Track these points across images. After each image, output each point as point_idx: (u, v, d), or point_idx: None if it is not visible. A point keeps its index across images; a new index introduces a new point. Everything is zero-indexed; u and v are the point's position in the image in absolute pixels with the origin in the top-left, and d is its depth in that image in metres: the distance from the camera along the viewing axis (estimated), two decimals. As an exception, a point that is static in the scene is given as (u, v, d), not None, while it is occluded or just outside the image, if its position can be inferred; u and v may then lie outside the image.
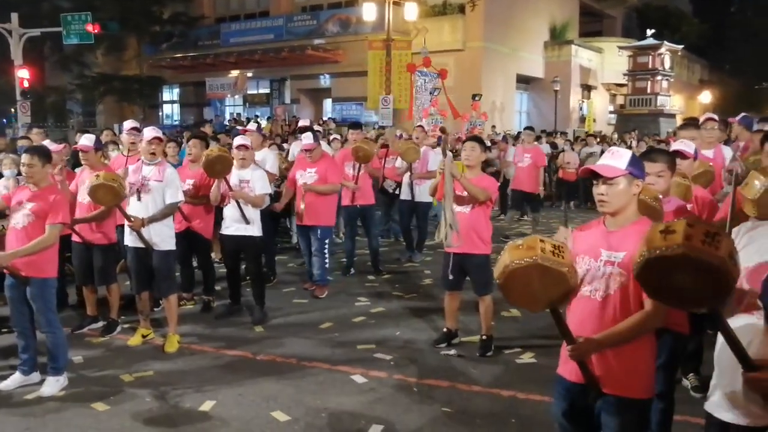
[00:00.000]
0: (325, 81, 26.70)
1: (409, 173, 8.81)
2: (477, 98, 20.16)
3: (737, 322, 2.18)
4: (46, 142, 6.44)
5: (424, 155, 8.93)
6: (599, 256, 2.65)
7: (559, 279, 2.43)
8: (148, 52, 29.11)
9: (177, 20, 28.57)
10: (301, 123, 11.04)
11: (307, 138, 7.13)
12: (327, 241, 7.24)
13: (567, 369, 2.77)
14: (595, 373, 2.63)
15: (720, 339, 2.17)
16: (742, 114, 7.56)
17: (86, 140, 6.03)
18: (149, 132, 5.71)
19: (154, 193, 5.52)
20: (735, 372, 2.12)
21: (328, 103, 27.65)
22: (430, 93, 13.17)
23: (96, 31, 20.67)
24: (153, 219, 5.47)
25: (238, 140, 6.56)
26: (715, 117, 6.55)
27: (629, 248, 2.58)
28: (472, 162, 5.35)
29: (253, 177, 6.33)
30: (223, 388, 4.72)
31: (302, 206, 7.00)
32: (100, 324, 6.08)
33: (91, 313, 6.15)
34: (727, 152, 6.29)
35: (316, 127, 11.74)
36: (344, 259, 8.42)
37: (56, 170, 5.60)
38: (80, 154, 5.97)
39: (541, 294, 2.47)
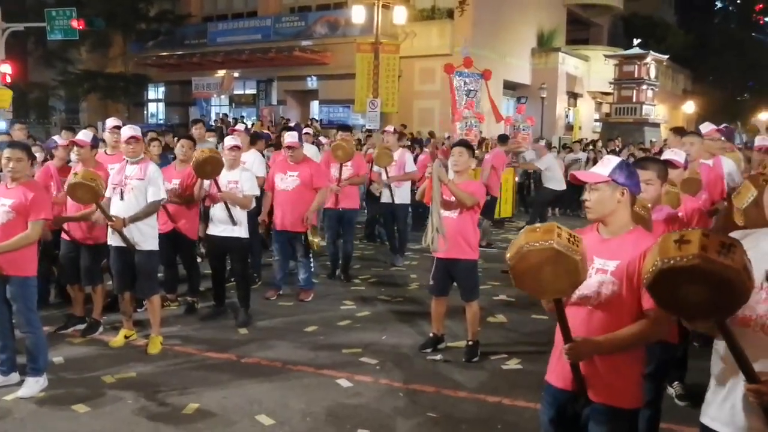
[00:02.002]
0: (312, 83, 26.61)
1: (385, 175, 8.77)
2: (522, 101, 19.59)
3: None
4: (56, 137, 6.30)
5: (401, 158, 8.91)
6: (592, 263, 2.63)
7: (571, 267, 2.38)
8: (134, 50, 28.80)
9: (164, 18, 28.34)
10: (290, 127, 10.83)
11: (291, 136, 7.02)
12: None
13: (555, 376, 2.76)
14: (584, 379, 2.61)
15: (716, 350, 2.15)
16: (723, 125, 7.65)
17: (84, 135, 5.94)
18: (126, 131, 5.61)
19: (136, 191, 5.43)
20: (733, 384, 2.11)
21: (315, 105, 27.55)
22: (466, 95, 12.96)
23: (81, 27, 20.48)
24: (135, 218, 5.38)
25: (229, 141, 6.51)
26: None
27: (623, 257, 2.58)
28: (459, 167, 5.33)
29: (241, 178, 6.30)
30: (206, 391, 4.66)
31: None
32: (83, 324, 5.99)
33: (79, 313, 6.04)
34: (726, 163, 6.27)
35: (306, 130, 11.66)
36: (329, 263, 8.37)
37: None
38: (75, 148, 5.87)
39: (550, 282, 2.42)
